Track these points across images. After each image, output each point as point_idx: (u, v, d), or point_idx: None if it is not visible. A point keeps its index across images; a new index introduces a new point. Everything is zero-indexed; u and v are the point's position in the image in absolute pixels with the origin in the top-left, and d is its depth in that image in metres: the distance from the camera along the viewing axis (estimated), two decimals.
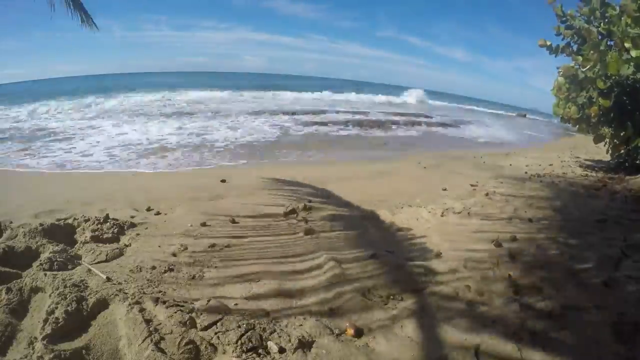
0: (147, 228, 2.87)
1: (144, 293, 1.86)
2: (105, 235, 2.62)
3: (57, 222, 2.72)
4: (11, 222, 2.70)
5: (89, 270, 2.08)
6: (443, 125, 15.76)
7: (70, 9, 4.00)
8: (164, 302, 1.77)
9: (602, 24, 5.40)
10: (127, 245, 2.53)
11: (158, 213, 3.28)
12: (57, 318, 1.58)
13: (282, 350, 1.52)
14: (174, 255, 2.40)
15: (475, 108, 34.20)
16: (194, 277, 2.15)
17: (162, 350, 1.46)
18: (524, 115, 32.96)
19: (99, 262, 2.23)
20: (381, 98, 26.88)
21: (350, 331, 1.68)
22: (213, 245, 2.57)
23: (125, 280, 2.01)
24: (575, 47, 5.89)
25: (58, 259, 2.12)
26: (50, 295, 1.75)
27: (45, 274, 1.92)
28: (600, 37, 5.34)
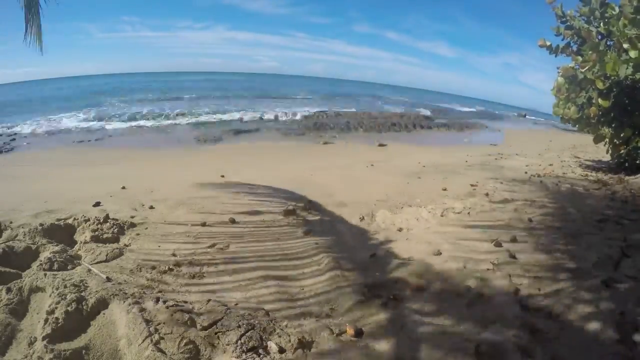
0: (147, 228, 2.87)
1: (144, 293, 1.86)
2: (105, 235, 2.62)
3: (57, 222, 2.72)
4: (11, 222, 2.70)
5: (89, 270, 2.08)
6: None
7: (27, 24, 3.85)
8: (164, 302, 1.77)
9: (601, 24, 5.40)
10: (127, 245, 2.53)
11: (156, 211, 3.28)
12: (57, 318, 1.58)
13: (282, 350, 1.52)
14: (174, 255, 2.40)
15: None
16: (194, 277, 2.15)
17: (162, 350, 1.46)
18: (524, 115, 33.00)
19: (99, 262, 2.23)
20: None
21: (351, 331, 1.68)
22: (213, 245, 2.58)
23: (125, 280, 2.01)
24: (575, 48, 5.89)
25: (58, 259, 2.12)
26: (50, 295, 1.75)
27: (45, 274, 1.92)
28: (599, 37, 5.34)
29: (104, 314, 1.69)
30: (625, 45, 4.31)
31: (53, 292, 1.76)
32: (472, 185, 4.86)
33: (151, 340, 1.49)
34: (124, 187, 4.23)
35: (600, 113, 5.56)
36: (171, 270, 2.19)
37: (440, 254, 2.56)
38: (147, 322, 1.60)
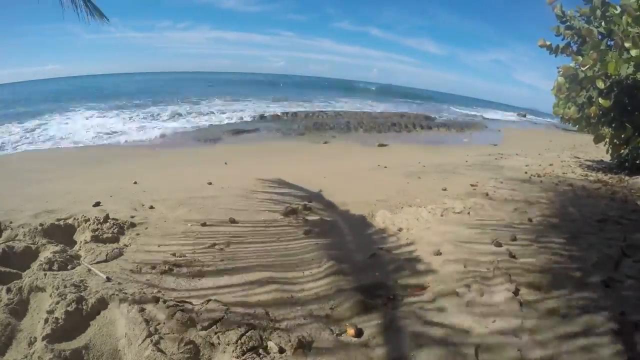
0: (147, 228, 2.87)
1: (144, 293, 1.86)
2: (105, 235, 2.62)
3: (57, 222, 2.72)
4: (11, 222, 2.70)
5: (89, 270, 2.08)
6: None
7: (77, 5, 3.90)
8: (164, 302, 1.77)
9: (602, 23, 5.40)
10: (127, 245, 2.53)
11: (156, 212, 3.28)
12: (57, 318, 1.58)
13: (282, 350, 1.52)
14: (174, 255, 2.40)
15: None
16: (194, 277, 2.15)
17: (162, 351, 1.46)
18: (524, 115, 33.06)
19: (99, 262, 2.23)
20: None
21: (351, 331, 1.67)
22: (213, 245, 2.57)
23: (125, 280, 2.01)
24: (575, 48, 5.89)
25: (58, 259, 2.12)
26: (50, 295, 1.75)
27: (45, 274, 1.92)
28: (600, 37, 5.33)
29: (104, 314, 1.69)
30: (627, 44, 4.31)
31: (53, 292, 1.76)
32: (472, 185, 4.86)
33: (151, 341, 1.49)
34: (135, 182, 4.51)
35: (601, 113, 5.56)
36: (171, 270, 2.18)
37: (440, 254, 2.56)
38: (147, 322, 1.60)
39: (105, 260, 2.26)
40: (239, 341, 1.52)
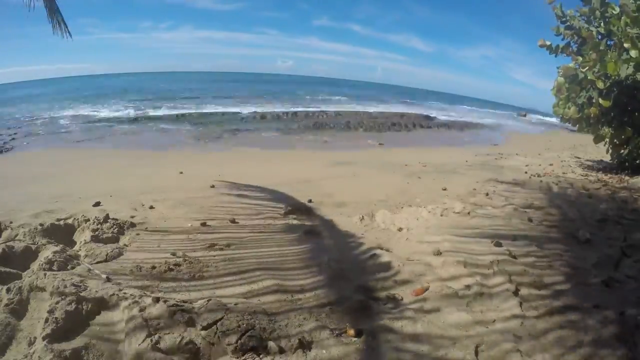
0: (147, 228, 2.87)
1: (144, 293, 1.86)
2: (105, 235, 2.62)
3: (57, 222, 2.72)
4: (11, 222, 2.70)
5: (89, 270, 2.08)
6: None
7: (56, 21, 4.02)
8: (164, 302, 1.76)
9: (602, 24, 5.41)
10: (126, 245, 2.53)
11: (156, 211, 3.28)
12: (56, 318, 1.57)
13: (282, 351, 1.52)
14: (174, 255, 2.40)
15: None
16: (193, 277, 2.15)
17: (161, 351, 1.46)
18: (524, 115, 33.06)
19: (99, 262, 2.23)
20: None
21: (350, 331, 1.67)
22: (213, 245, 2.58)
23: (125, 280, 2.01)
24: (575, 48, 5.90)
25: (58, 259, 2.12)
26: (50, 295, 1.75)
27: (45, 274, 1.92)
28: (599, 37, 5.34)
29: (104, 314, 1.69)
30: (627, 45, 4.32)
31: (53, 292, 1.75)
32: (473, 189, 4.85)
33: (151, 340, 1.49)
34: (135, 182, 4.26)
35: (601, 113, 5.56)
36: (171, 270, 2.18)
37: (440, 253, 2.56)
38: (147, 322, 1.60)
39: (105, 260, 2.26)
40: (239, 341, 1.52)
